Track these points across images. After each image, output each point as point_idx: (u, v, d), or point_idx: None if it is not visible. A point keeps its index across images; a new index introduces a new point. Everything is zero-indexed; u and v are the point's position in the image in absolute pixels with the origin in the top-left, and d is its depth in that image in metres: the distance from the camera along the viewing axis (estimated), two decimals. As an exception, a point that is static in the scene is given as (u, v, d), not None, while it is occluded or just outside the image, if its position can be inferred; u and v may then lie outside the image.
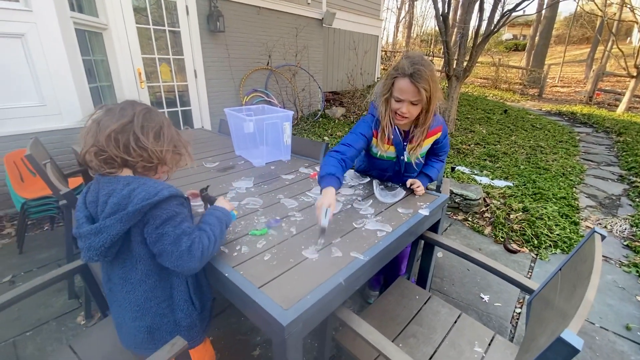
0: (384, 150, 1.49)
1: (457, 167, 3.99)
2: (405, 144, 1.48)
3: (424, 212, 1.34)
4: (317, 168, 1.85)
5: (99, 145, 0.82)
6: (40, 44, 2.82)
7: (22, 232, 2.35)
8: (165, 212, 0.83)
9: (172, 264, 0.84)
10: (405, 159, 1.51)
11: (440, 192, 1.69)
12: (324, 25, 6.22)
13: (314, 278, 0.93)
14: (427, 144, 1.51)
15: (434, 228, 1.52)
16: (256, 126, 1.85)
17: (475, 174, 3.94)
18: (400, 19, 23.41)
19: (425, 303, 1.35)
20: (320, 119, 6.17)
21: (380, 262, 1.13)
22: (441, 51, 5.50)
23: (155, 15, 4.07)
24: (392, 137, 1.44)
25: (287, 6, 5.42)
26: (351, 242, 1.12)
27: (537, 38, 14.42)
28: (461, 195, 3.08)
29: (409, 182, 1.54)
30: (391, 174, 1.65)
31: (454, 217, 3.07)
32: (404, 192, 1.52)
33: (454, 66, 5.26)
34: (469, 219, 3.02)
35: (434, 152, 1.61)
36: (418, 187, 1.51)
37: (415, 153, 1.47)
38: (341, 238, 1.14)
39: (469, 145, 5.22)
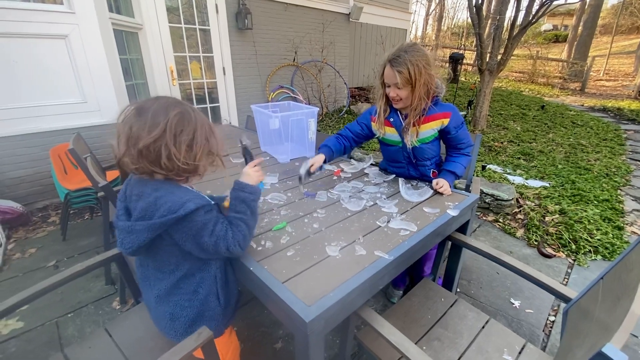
0: (384, 132, 1.59)
1: (488, 166, 3.83)
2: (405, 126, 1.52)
3: (453, 212, 1.29)
4: (342, 165, 1.83)
5: (132, 157, 0.83)
6: (81, 44, 3.00)
7: (65, 221, 2.53)
8: (195, 224, 0.86)
9: (212, 253, 0.91)
10: (409, 143, 1.51)
11: (470, 192, 1.63)
12: (350, 20, 6.14)
13: (337, 275, 0.93)
14: (428, 128, 1.49)
15: (463, 229, 1.46)
16: (281, 122, 1.86)
17: (508, 173, 3.76)
18: (430, 11, 22.68)
19: (451, 306, 1.31)
20: (346, 115, 6.12)
21: (405, 262, 1.10)
22: (473, 44, 5.27)
23: (187, 15, 4.20)
24: (393, 119, 1.53)
25: (314, 2, 5.40)
26: (375, 240, 1.10)
27: (580, 28, 13.45)
28: (492, 195, 2.96)
29: (434, 182, 1.50)
30: (404, 163, 1.64)
31: (484, 218, 2.95)
32: (431, 191, 1.48)
33: (487, 60, 5.03)
34: (500, 220, 2.88)
35: (452, 145, 1.56)
36: (443, 187, 1.46)
37: (413, 135, 1.49)
38: (364, 237, 1.13)
39: (502, 142, 4.98)
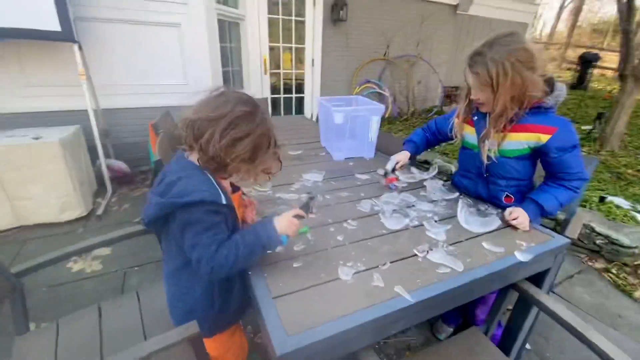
0: (461, 129, 1.35)
1: (609, 198, 2.99)
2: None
3: (522, 257, 0.98)
4: (397, 172, 1.61)
5: (186, 123, 0.83)
6: (189, 32, 3.36)
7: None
8: (191, 216, 0.81)
9: (181, 263, 0.87)
10: (484, 151, 1.23)
11: (563, 232, 1.24)
12: (457, 12, 5.52)
13: (339, 305, 0.78)
14: (516, 139, 1.18)
15: (538, 279, 1.12)
16: (342, 118, 1.73)
17: (638, 212, 2.87)
18: (566, 3, 18.99)
19: (500, 373, 1.02)
20: (435, 116, 5.59)
21: (436, 308, 0.88)
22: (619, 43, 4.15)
23: (285, 6, 4.34)
24: (477, 118, 1.29)
25: (417, -8, 5.01)
26: (403, 272, 0.90)
27: None
28: (607, 237, 2.29)
29: (507, 211, 1.17)
30: (473, 174, 1.36)
31: (590, 263, 2.31)
32: (499, 222, 1.17)
33: (634, 63, 3.91)
34: (613, 270, 2.21)
35: (552, 172, 1.19)
36: (518, 220, 1.13)
37: (494, 143, 1.21)
38: (391, 263, 0.93)
39: (638, 170, 3.85)
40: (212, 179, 0.87)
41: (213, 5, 3.51)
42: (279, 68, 4.64)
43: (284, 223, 0.87)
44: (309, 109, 5.00)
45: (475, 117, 1.29)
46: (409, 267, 0.92)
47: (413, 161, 1.57)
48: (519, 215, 1.14)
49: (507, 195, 1.28)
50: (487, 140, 1.21)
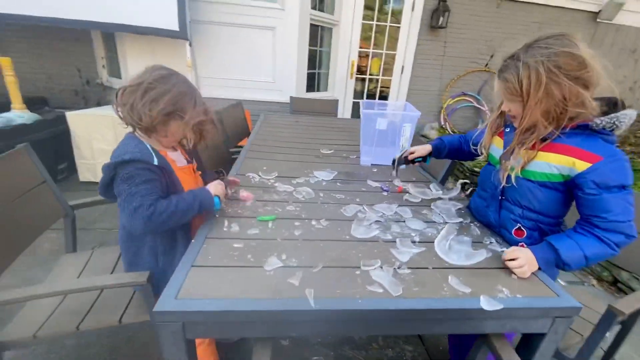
0: (488, 140, 1.15)
1: None
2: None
3: (486, 303, 0.78)
4: (409, 185, 1.46)
5: (117, 104, 1.00)
6: (282, 35, 3.69)
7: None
8: (126, 172, 0.94)
9: (125, 220, 0.96)
10: (505, 168, 1.01)
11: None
12: (598, 20, 4.51)
13: (242, 289, 0.78)
14: (546, 160, 0.94)
15: (527, 349, 0.87)
16: (368, 120, 1.67)
17: None
18: None
19: None
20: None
21: (349, 326, 0.79)
22: None
23: (381, 12, 4.34)
24: (509, 130, 1.09)
25: (548, -3, 4.30)
26: (329, 279, 0.84)
27: None
28: None
29: (508, 250, 0.94)
30: (488, 194, 1.14)
31: None
32: (485, 256, 0.95)
33: None
34: None
35: (585, 213, 0.91)
36: (515, 263, 0.90)
37: (519, 160, 0.98)
38: (323, 268, 0.88)
39: None
40: (146, 144, 1.02)
41: (308, 11, 3.77)
42: (365, 73, 4.65)
43: (213, 186, 1.08)
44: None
45: (508, 129, 1.09)
46: (339, 277, 0.85)
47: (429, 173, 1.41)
48: (520, 257, 0.91)
49: (518, 228, 1.03)
50: (511, 157, 1.00)
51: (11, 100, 2.75)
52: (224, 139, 2.08)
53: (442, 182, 1.64)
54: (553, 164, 0.93)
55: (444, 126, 4.82)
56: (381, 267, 0.89)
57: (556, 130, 0.91)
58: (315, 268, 0.88)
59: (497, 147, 1.12)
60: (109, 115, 2.86)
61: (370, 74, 4.69)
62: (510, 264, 0.91)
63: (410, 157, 1.37)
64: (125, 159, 0.94)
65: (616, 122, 0.86)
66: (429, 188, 1.43)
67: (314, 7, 3.87)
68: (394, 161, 1.38)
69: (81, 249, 1.46)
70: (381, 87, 4.80)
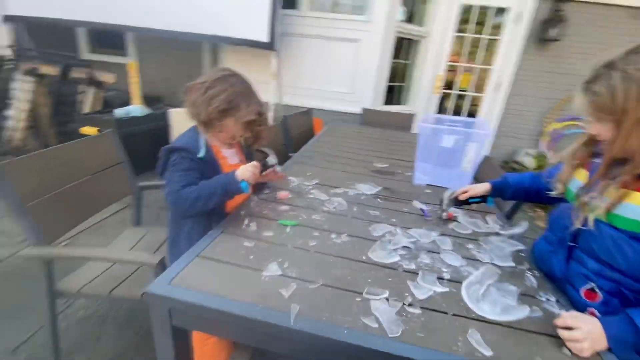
0: (568, 173, 0.91)
1: None
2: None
3: None
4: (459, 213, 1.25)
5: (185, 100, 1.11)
6: (365, 47, 3.69)
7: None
8: (173, 158, 1.04)
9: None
10: (582, 210, 0.78)
11: None
12: None
13: (234, 289, 0.76)
14: (634, 202, 0.70)
15: None
16: (428, 137, 1.51)
17: None
18: None
19: None
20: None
21: (328, 356, 0.69)
22: None
23: (478, 23, 3.98)
24: (598, 161, 0.83)
25: None
26: (323, 299, 0.76)
27: None
28: None
29: (565, 315, 0.71)
30: (555, 238, 0.90)
31: None
32: (526, 312, 0.74)
33: None
34: None
35: None
36: (573, 336, 0.67)
37: (602, 200, 0.74)
38: (322, 286, 0.79)
39: None
40: (202, 137, 1.09)
41: (394, 24, 3.69)
42: (452, 88, 4.31)
43: (242, 169, 1.05)
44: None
45: (598, 160, 0.84)
46: (335, 299, 0.76)
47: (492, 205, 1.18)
48: (581, 327, 0.67)
49: (591, 288, 0.77)
50: (592, 193, 0.77)
51: (131, 96, 3.37)
52: (284, 142, 2.14)
53: (509, 216, 1.37)
54: None
55: (544, 153, 4.11)
56: (387, 299, 0.77)
57: None
58: (313, 284, 0.80)
59: (580, 181, 0.87)
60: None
61: (459, 90, 4.32)
62: (564, 333, 0.68)
63: (462, 196, 1.17)
64: (176, 146, 1.06)
65: None
66: (485, 220, 1.20)
67: (401, 20, 3.77)
68: (441, 201, 1.20)
69: (147, 224, 1.66)
70: (472, 104, 4.38)
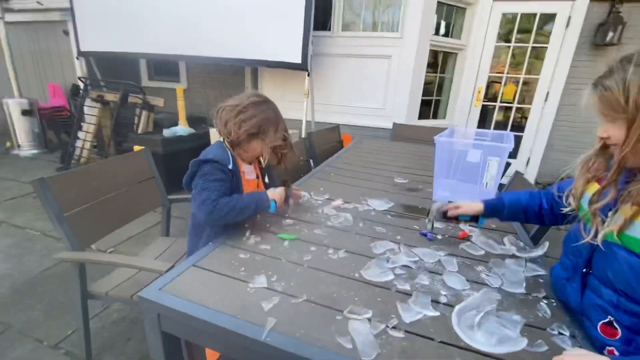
0: (580, 186, 0.80)
1: None
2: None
3: None
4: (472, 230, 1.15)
5: (215, 115, 1.20)
6: (398, 63, 3.67)
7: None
8: (205, 169, 1.09)
9: (195, 209, 1.09)
10: (591, 228, 0.68)
11: None
12: None
13: (218, 299, 0.78)
14: None
15: None
16: (447, 152, 1.44)
17: None
18: None
19: None
20: None
21: None
22: None
23: (521, 32, 3.76)
24: (608, 174, 0.70)
25: None
26: (301, 314, 0.74)
27: None
28: None
29: (565, 354, 0.61)
30: (570, 263, 0.79)
31: None
32: (524, 344, 0.65)
33: None
34: None
35: None
36: None
37: (615, 219, 0.65)
38: (305, 301, 0.78)
39: None
40: (228, 151, 1.16)
41: (428, 38, 3.63)
42: (494, 100, 4.07)
43: (273, 192, 1.16)
44: (526, 153, 4.04)
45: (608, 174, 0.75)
46: (316, 316, 0.74)
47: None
48: None
49: (608, 322, 0.66)
50: (601, 205, 0.68)
51: (178, 118, 3.70)
52: (306, 159, 2.18)
53: (534, 239, 1.23)
54: None
55: (605, 169, 3.65)
56: (369, 320, 0.73)
57: None
58: (297, 299, 0.80)
59: (589, 193, 0.77)
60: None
61: (502, 101, 4.06)
62: (565, 373, 0.59)
63: (452, 212, 1.08)
64: (209, 157, 1.12)
65: None
66: (502, 241, 1.10)
67: (435, 33, 3.70)
68: (429, 212, 1.14)
69: (176, 235, 1.79)
70: (519, 116, 4.09)
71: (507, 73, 3.94)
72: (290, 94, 4.10)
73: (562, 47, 3.59)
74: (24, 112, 4.17)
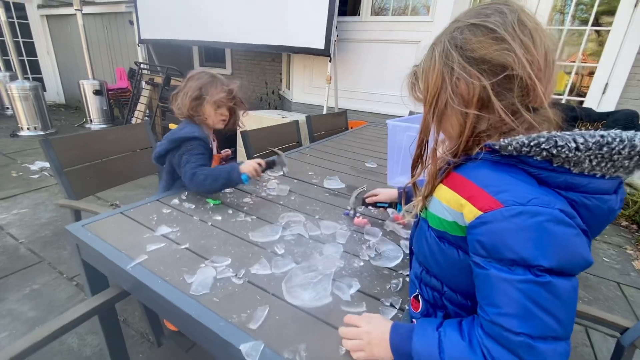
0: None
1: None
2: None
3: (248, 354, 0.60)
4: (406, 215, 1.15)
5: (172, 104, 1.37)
6: (425, 48, 3.48)
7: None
8: (190, 144, 1.25)
9: (182, 178, 1.27)
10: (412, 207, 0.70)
11: None
12: None
13: (134, 246, 0.92)
14: (438, 196, 0.60)
15: None
16: (395, 133, 1.42)
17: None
18: None
19: None
20: None
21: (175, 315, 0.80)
22: None
23: (577, 14, 3.29)
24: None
25: None
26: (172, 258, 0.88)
27: None
28: None
29: (348, 316, 0.64)
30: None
31: None
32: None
33: None
34: None
35: (477, 292, 0.50)
36: (351, 331, 0.61)
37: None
38: (186, 248, 0.92)
39: None
40: (198, 127, 1.32)
41: (461, 21, 3.38)
42: (540, 91, 3.64)
43: (245, 165, 1.21)
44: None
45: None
46: (183, 260, 0.87)
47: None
48: (360, 326, 0.61)
49: (415, 295, 0.67)
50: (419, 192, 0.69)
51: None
52: (297, 140, 2.27)
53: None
54: (444, 203, 0.57)
55: (673, 177, 3.07)
56: (216, 268, 0.83)
57: (456, 158, 0.56)
58: (179, 246, 0.93)
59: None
60: (258, 116, 3.69)
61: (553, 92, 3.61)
62: (341, 329, 0.63)
63: (369, 200, 1.12)
64: (195, 135, 1.28)
65: (548, 149, 0.44)
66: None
67: (473, 16, 3.42)
68: (352, 209, 1.18)
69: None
70: (565, 110, 3.61)
71: (558, 60, 3.47)
72: (317, 80, 4.18)
73: (628, 30, 3.05)
74: (96, 92, 4.97)
